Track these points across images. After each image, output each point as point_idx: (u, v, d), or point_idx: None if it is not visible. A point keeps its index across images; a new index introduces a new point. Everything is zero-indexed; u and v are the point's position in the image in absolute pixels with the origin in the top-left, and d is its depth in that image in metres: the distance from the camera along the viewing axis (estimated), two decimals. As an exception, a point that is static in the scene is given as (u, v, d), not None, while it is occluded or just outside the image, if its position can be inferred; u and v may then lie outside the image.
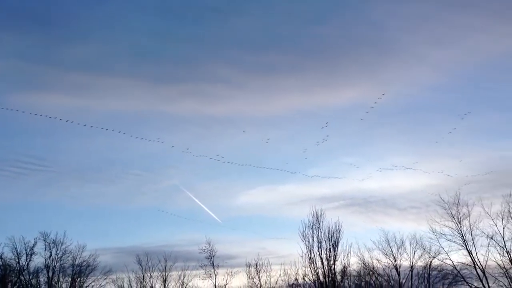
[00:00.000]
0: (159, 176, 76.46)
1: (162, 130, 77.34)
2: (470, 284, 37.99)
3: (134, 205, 76.93)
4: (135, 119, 75.76)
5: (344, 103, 73.66)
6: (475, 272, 37.78)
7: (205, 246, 42.42)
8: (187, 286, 42.53)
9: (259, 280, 41.38)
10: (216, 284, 41.85)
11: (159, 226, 74.63)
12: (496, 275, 37.45)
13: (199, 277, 42.32)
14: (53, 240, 43.97)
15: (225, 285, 41.88)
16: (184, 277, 42.79)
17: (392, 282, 40.77)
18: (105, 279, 44.42)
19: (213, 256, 42.24)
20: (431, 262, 39.97)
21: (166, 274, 42.92)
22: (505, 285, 36.94)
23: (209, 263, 42.15)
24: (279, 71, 77.97)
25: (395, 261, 40.87)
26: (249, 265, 42.14)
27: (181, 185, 74.11)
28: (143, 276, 43.44)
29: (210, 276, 42.07)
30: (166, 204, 78.90)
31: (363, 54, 73.74)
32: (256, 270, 41.72)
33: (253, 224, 76.46)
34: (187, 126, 78.28)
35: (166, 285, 42.62)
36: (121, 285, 44.37)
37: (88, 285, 44.53)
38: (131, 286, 43.85)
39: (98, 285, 44.49)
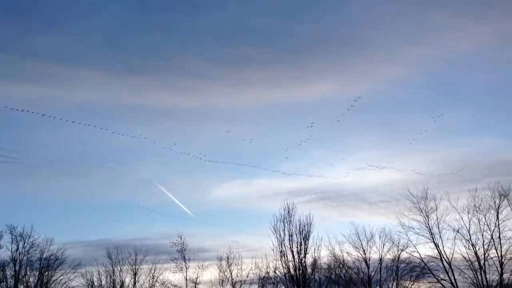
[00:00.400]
0: (131, 169, 75.59)
1: (135, 123, 76.37)
2: (436, 277, 38.84)
3: (105, 198, 75.93)
4: (107, 111, 74.62)
5: (318, 98, 74.17)
6: (442, 265, 38.68)
7: (176, 240, 42.28)
8: (158, 279, 42.25)
9: (231, 274, 41.54)
10: (187, 277, 41.77)
11: (130, 219, 73.93)
12: (462, 267, 38.46)
13: (170, 270, 42.18)
14: (20, 233, 43.01)
15: (196, 278, 41.81)
16: (154, 271, 42.56)
17: (362, 274, 41.37)
18: (73, 273, 43.80)
19: (185, 250, 42.15)
20: (399, 255, 40.66)
21: (137, 267, 42.61)
22: (469, 277, 37.98)
23: (180, 257, 42.05)
24: (253, 65, 77.98)
25: (365, 254, 41.44)
26: (220, 259, 42.25)
27: (153, 178, 73.45)
28: (113, 269, 43.02)
29: (181, 270, 41.98)
30: (138, 198, 78.14)
31: (337, 49, 74.42)
32: (228, 263, 41.87)
33: (226, 217, 76.46)
34: (160, 119, 77.51)
35: (136, 279, 42.32)
36: (90, 279, 43.89)
37: (56, 279, 43.81)
38: (100, 280, 43.39)
39: (66, 279, 43.81)
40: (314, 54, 76.42)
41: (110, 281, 42.71)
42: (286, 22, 76.39)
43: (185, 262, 41.92)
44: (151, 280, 42.18)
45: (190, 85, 75.80)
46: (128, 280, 42.68)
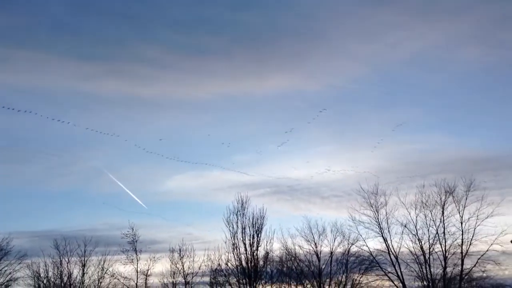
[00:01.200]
0: (81, 157, 73.54)
1: (85, 110, 74.40)
2: (384, 270, 39.91)
3: (52, 187, 73.62)
4: (55, 98, 72.29)
5: (272, 91, 74.57)
6: (389, 258, 39.79)
7: (128, 231, 41.55)
8: (107, 271, 41.41)
9: (182, 266, 41.25)
10: (138, 269, 41.17)
11: (80, 209, 72.05)
12: (408, 261, 39.68)
13: (121, 262, 41.43)
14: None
15: (148, 270, 41.28)
16: (104, 262, 41.66)
17: (313, 267, 41.87)
18: (19, 263, 42.25)
19: (136, 241, 41.51)
20: (349, 248, 41.33)
21: (85, 259, 41.60)
22: (415, 271, 39.26)
23: (131, 248, 41.38)
24: (209, 55, 77.38)
25: (316, 247, 41.93)
26: (172, 251, 41.88)
27: (105, 168, 71.77)
28: (61, 261, 41.86)
29: (132, 261, 41.32)
30: (88, 187, 76.27)
31: (292, 43, 74.90)
32: (180, 255, 41.57)
33: (179, 209, 75.84)
34: (111, 107, 75.83)
35: (85, 270, 41.34)
36: (36, 270, 42.54)
37: (0, 270, 42.18)
38: (47, 271, 42.13)
39: (11, 270, 42.22)
40: (270, 47, 76.74)
41: (57, 272, 41.60)
42: (243, 14, 76.32)
43: (136, 254, 41.35)
44: (100, 272, 41.33)
45: (144, 73, 74.48)
46: (76, 271, 41.71)
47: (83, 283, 41.14)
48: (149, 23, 76.33)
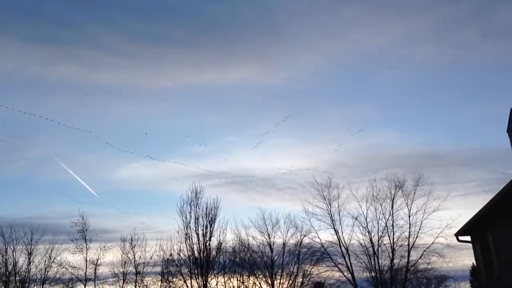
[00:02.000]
0: (30, 143, 71.13)
1: (36, 95, 71.87)
2: (334, 261, 40.83)
3: (-1, 173, 70.75)
4: (8, 81, 69.44)
5: (233, 83, 74.49)
6: (340, 250, 40.73)
7: (77, 220, 40.49)
8: (55, 260, 40.23)
9: (134, 255, 40.62)
10: (88, 258, 40.26)
11: (27, 197, 69.66)
12: (358, 252, 40.74)
13: (69, 251, 40.36)
14: None
15: (97, 259, 40.41)
16: (51, 251, 40.40)
17: (266, 258, 42.23)
18: (-39, 251, 40.43)
19: (86, 230, 40.48)
20: (302, 240, 41.96)
21: (32, 247, 40.23)
22: (364, 262, 40.38)
23: (81, 237, 40.37)
24: (170, 44, 76.33)
25: (269, 238, 42.33)
26: (124, 240, 41.17)
27: (55, 155, 69.66)
28: (6, 249, 40.27)
29: (81, 251, 40.35)
30: (37, 174, 73.81)
31: (254, 35, 74.88)
32: (131, 245, 40.89)
33: (133, 199, 74.65)
34: (65, 93, 73.55)
35: (31, 259, 40.00)
36: (-21, 259, 40.78)
37: None
38: (-9, 260, 40.46)
39: (-48, 259, 40.36)
40: (232, 39, 76.51)
41: (2, 260, 39.99)
42: (206, 4, 75.57)
43: (86, 243, 40.38)
44: (47, 261, 40.09)
45: (103, 59, 72.55)
46: (22, 260, 40.27)
47: (29, 271, 39.82)
48: (111, 9, 74.39)
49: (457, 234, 22.24)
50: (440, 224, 38.59)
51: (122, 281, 40.07)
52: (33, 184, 72.12)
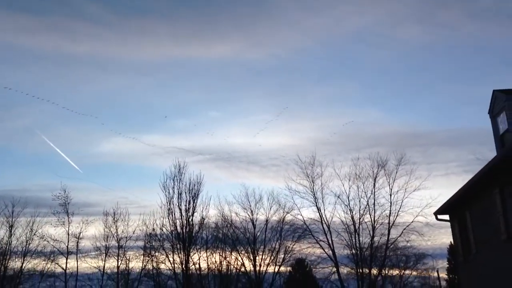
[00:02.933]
0: (9, 114, 69.87)
1: (14, 65, 70.37)
2: (316, 238, 41.31)
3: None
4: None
5: (216, 58, 73.77)
6: (322, 227, 41.18)
7: (59, 193, 40.27)
8: (37, 232, 40.05)
9: (116, 229, 40.64)
10: (70, 232, 40.18)
11: (8, 169, 68.84)
12: (339, 230, 41.26)
13: (51, 224, 40.21)
14: None
15: (79, 233, 40.37)
16: (33, 224, 40.19)
17: (248, 234, 42.62)
18: None
19: (68, 204, 40.35)
20: (284, 217, 42.35)
21: (13, 220, 39.95)
22: (345, 239, 40.96)
23: (63, 211, 40.23)
24: (152, 16, 74.96)
25: (252, 215, 42.65)
26: (106, 214, 41.11)
27: (36, 127, 68.67)
28: (-14, 221, 39.95)
29: (63, 224, 40.24)
30: (18, 146, 72.81)
31: (237, 10, 73.94)
32: (114, 219, 40.89)
33: (115, 172, 74.29)
34: (44, 63, 72.11)
35: (13, 231, 39.75)
36: (-41, 230, 40.39)
37: None
38: (-29, 232, 40.12)
39: None
40: (215, 12, 75.47)
41: (-18, 233, 39.74)
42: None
43: (68, 217, 40.26)
44: (28, 233, 39.90)
45: (81, 29, 71.03)
46: (2, 232, 40.01)
47: (10, 244, 39.62)
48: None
49: (436, 213, 22.60)
50: (420, 203, 39.25)
51: (104, 254, 40.20)
52: (13, 156, 71.21)
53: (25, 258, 39.57)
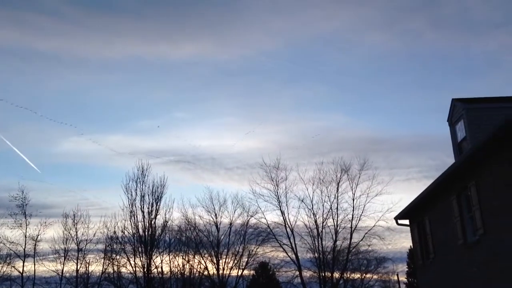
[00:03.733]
0: None
1: None
2: (279, 241, 41.53)
3: None
4: None
5: (184, 57, 73.28)
6: (285, 231, 41.41)
7: (17, 194, 38.91)
8: (-7, 235, 38.60)
9: (76, 232, 39.61)
10: (27, 234, 38.88)
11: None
12: (303, 233, 41.61)
13: (8, 226, 38.77)
14: None
15: (37, 235, 39.10)
16: (-12, 225, 38.72)
17: (212, 238, 42.42)
18: None
19: (26, 205, 38.95)
20: (248, 220, 42.36)
21: (-32, 219, 38.36)
22: (308, 243, 41.34)
23: (20, 212, 38.82)
24: (119, 13, 73.75)
25: (216, 218, 42.47)
26: (66, 216, 40.00)
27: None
28: None
29: (21, 226, 38.86)
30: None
31: (207, 10, 73.63)
32: (74, 221, 39.82)
33: (75, 173, 72.51)
34: (4, 57, 69.82)
35: (-34, 233, 38.19)
36: None
37: None
38: None
39: None
40: (185, 12, 74.97)
41: None
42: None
43: (25, 218, 38.87)
44: (-16, 235, 38.40)
45: (44, 24, 69.26)
46: (-44, 234, 38.39)
47: (-37, 246, 38.09)
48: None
49: (396, 218, 23.08)
50: (382, 208, 40.03)
51: (63, 257, 39.07)
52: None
53: (-21, 261, 38.11)
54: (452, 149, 19.44)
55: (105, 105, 73.96)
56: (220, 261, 41.62)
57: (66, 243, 39.28)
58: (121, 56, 72.14)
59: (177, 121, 71.96)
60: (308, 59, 77.61)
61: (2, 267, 38.12)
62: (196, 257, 41.29)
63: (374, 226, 40.19)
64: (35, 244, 38.88)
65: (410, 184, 57.06)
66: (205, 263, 41.59)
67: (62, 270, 38.80)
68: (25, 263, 38.54)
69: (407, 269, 53.54)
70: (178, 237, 41.08)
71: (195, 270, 41.21)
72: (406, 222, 23.21)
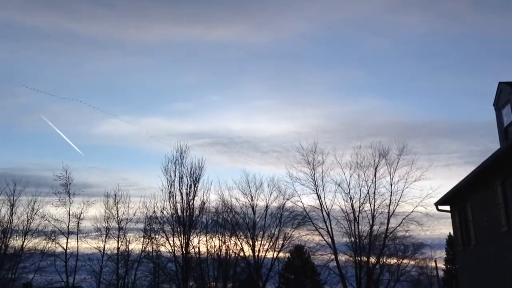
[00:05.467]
0: (5, 90, 69.60)
1: (12, 41, 70.01)
2: (315, 225, 41.45)
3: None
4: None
5: (217, 40, 73.29)
6: (321, 215, 41.29)
7: (61, 173, 40.29)
8: (38, 212, 40.21)
9: (117, 211, 40.77)
10: (71, 212, 40.32)
11: (6, 147, 68.88)
12: (339, 218, 41.39)
13: (52, 204, 40.31)
14: None
15: (80, 213, 40.50)
16: (34, 203, 40.30)
17: (248, 220, 42.83)
18: None
19: (70, 184, 40.34)
20: (284, 203, 42.42)
21: (14, 198, 40.08)
22: (344, 227, 41.12)
23: (64, 191, 40.22)
24: (154, -2, 74.36)
25: (252, 200, 42.78)
26: (107, 195, 41.20)
27: (33, 105, 68.57)
28: (-13, 199, 40.11)
29: (65, 204, 40.32)
30: (15, 124, 72.72)
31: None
32: (115, 201, 40.98)
33: (114, 154, 74.40)
34: (44, 41, 71.71)
35: (14, 210, 39.90)
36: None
37: None
38: (-28, 209, 40.30)
39: None
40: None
41: (-16, 211, 39.91)
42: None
43: (69, 197, 40.31)
44: (30, 213, 40.07)
45: (82, 8, 70.55)
46: (4, 211, 40.16)
47: (11, 222, 39.79)
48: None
49: (436, 204, 22.67)
50: (421, 194, 39.27)
51: (104, 235, 40.38)
52: (12, 134, 71.22)
53: (26, 237, 39.79)
54: (497, 134, 18.87)
55: (141, 88, 75.13)
56: (256, 243, 42.09)
57: (107, 221, 40.60)
58: (155, 39, 72.95)
59: (210, 104, 72.43)
60: (343, 41, 76.30)
61: (46, 243, 39.82)
62: (232, 238, 41.88)
63: (412, 211, 39.61)
64: (78, 222, 40.33)
65: (450, 170, 55.86)
66: (241, 244, 42.17)
67: (104, 247, 40.16)
68: (69, 240, 40.10)
69: (445, 256, 52.67)
70: (215, 218, 41.70)
71: (231, 251, 41.85)
72: (447, 208, 22.76)
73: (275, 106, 75.40)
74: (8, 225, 39.65)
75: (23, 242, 39.55)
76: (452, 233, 28.13)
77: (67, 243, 40.00)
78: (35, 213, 40.00)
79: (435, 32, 72.60)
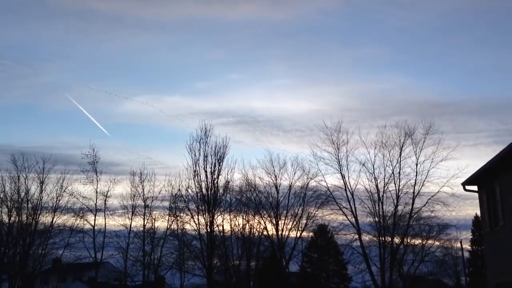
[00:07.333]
0: (33, 69, 70.68)
1: (39, 20, 70.90)
2: (339, 205, 41.36)
3: (6, 99, 70.99)
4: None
5: (239, 18, 72.83)
6: (345, 194, 41.13)
7: (88, 152, 41.12)
8: (66, 189, 41.25)
9: (143, 189, 41.50)
10: (98, 189, 41.20)
11: (35, 125, 70.39)
12: (363, 198, 41.19)
13: (80, 181, 41.31)
14: None
15: (107, 191, 41.37)
16: (63, 181, 41.40)
17: (271, 199, 43.06)
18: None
19: (97, 162, 41.24)
20: (308, 183, 42.48)
21: (44, 176, 41.18)
22: (368, 207, 40.92)
23: (91, 169, 41.17)
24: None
25: (276, 180, 42.94)
26: (133, 174, 41.94)
27: (58, 84, 69.60)
28: (18, 176, 41.35)
29: (92, 182, 41.27)
30: (41, 103, 74.04)
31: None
32: (141, 179, 41.70)
33: (139, 132, 75.31)
34: (67, 19, 72.38)
35: (43, 187, 41.05)
36: (-8, 184, 41.89)
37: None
38: (3, 186, 41.64)
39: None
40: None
41: (15, 187, 41.20)
42: None
43: (96, 175, 41.23)
44: (59, 190, 41.14)
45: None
46: (34, 188, 41.38)
47: (41, 199, 41.03)
48: None
49: (464, 184, 22.28)
50: (447, 174, 38.62)
51: (131, 213, 41.24)
52: (38, 113, 72.64)
53: (55, 214, 41.02)
54: (529, 112, 18.34)
55: (162, 66, 75.38)
56: (279, 222, 42.37)
57: (133, 199, 41.43)
58: (177, 17, 72.81)
59: (232, 82, 72.42)
60: (367, 17, 74.78)
61: (75, 220, 40.95)
62: (256, 217, 42.23)
63: (438, 192, 39.06)
64: (105, 200, 41.34)
65: (478, 149, 54.80)
66: (265, 223, 42.50)
67: (130, 224, 41.08)
68: (96, 217, 41.15)
69: (471, 237, 52.01)
70: (239, 197, 42.05)
71: (254, 230, 42.23)
72: (474, 188, 22.35)
73: (296, 84, 75.02)
74: (38, 202, 40.88)
75: (53, 219, 40.79)
76: (479, 213, 27.72)
77: (95, 220, 41.07)
78: (64, 191, 41.19)
79: (465, 5, 70.43)
